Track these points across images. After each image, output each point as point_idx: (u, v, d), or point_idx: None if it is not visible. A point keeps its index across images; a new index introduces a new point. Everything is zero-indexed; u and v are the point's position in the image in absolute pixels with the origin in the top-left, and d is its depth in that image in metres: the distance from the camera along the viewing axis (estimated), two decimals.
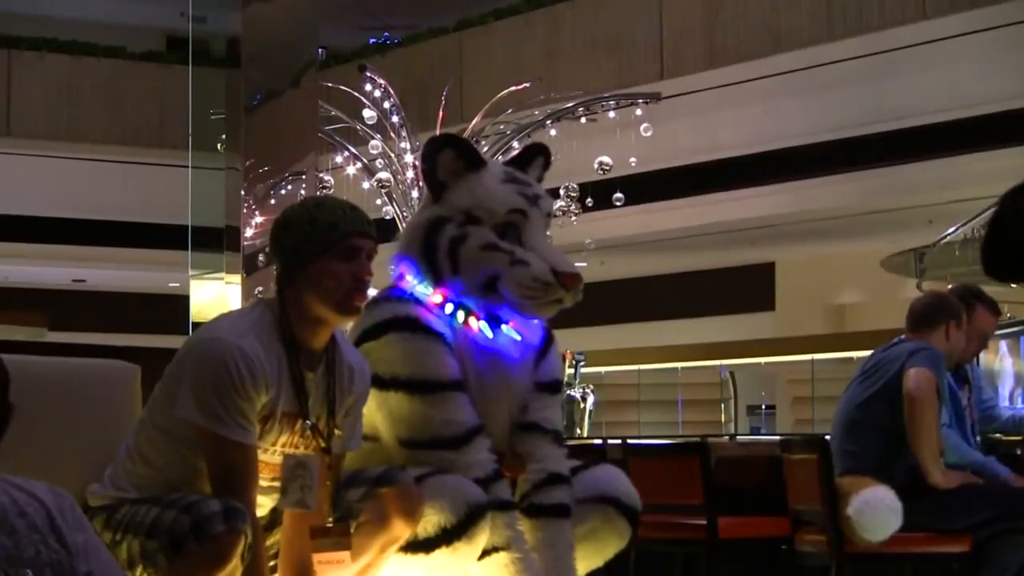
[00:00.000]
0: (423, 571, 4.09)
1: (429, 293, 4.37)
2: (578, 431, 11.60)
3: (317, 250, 3.86)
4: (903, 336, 6.46)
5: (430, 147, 4.47)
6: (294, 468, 3.85)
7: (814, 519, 6.29)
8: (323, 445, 3.91)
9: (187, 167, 8.55)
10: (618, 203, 11.98)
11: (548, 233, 4.54)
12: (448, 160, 4.42)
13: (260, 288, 7.65)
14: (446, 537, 4.05)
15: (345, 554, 3.89)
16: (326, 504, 3.92)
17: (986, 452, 6.93)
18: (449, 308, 4.36)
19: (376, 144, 11.85)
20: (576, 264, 4.39)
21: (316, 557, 3.88)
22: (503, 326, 4.39)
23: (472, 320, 4.37)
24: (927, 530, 6.06)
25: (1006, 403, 8.55)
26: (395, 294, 4.41)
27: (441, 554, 4.06)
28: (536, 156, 4.71)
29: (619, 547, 4.58)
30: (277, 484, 3.88)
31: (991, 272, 4.04)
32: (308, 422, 3.88)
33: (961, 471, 6.31)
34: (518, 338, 4.42)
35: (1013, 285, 9.21)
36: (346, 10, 17.68)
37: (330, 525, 3.92)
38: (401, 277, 4.44)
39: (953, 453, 6.37)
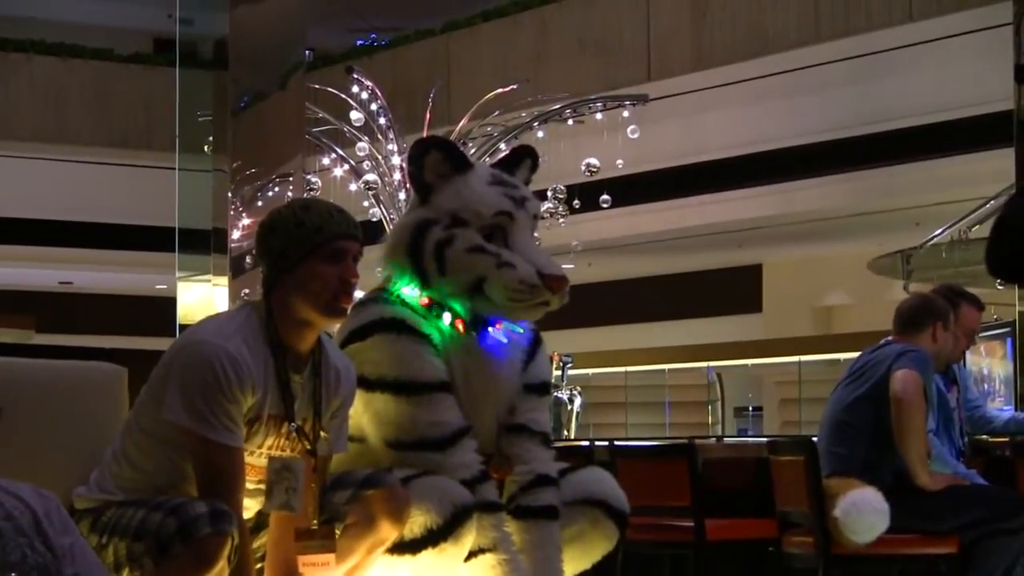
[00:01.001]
0: (410, 572, 4.08)
1: (416, 295, 4.37)
2: (565, 433, 11.61)
3: (303, 252, 3.85)
4: (890, 338, 6.46)
5: (416, 149, 4.47)
6: (279, 471, 3.85)
7: (801, 521, 6.29)
8: (309, 448, 3.91)
9: (174, 169, 8.54)
10: (605, 205, 11.98)
11: (536, 235, 4.53)
12: (434, 162, 4.42)
13: (247, 290, 7.65)
14: (432, 538, 4.05)
15: (330, 556, 3.89)
16: (311, 506, 3.92)
17: (974, 453, 6.94)
18: (436, 310, 4.36)
19: (363, 146, 11.84)
20: (563, 266, 4.38)
21: (301, 559, 3.88)
22: (490, 328, 4.39)
23: (459, 322, 4.37)
24: (914, 532, 6.07)
25: (994, 404, 8.56)
26: (382, 296, 4.41)
27: (427, 555, 4.05)
28: (524, 158, 4.70)
29: (606, 549, 4.58)
30: (263, 487, 3.88)
31: (996, 272, 4.05)
32: (293, 425, 3.89)
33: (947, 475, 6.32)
34: (505, 340, 4.42)
35: (1000, 287, 9.24)
36: (334, 12, 17.66)
37: (315, 527, 3.92)
38: (388, 279, 4.44)
39: (936, 463, 6.37)
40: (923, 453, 6.16)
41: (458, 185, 4.39)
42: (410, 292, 4.37)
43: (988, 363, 9.36)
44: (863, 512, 5.91)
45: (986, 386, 9.14)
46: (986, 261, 4.05)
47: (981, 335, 7.88)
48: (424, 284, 4.34)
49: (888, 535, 5.94)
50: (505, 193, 4.40)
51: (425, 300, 4.36)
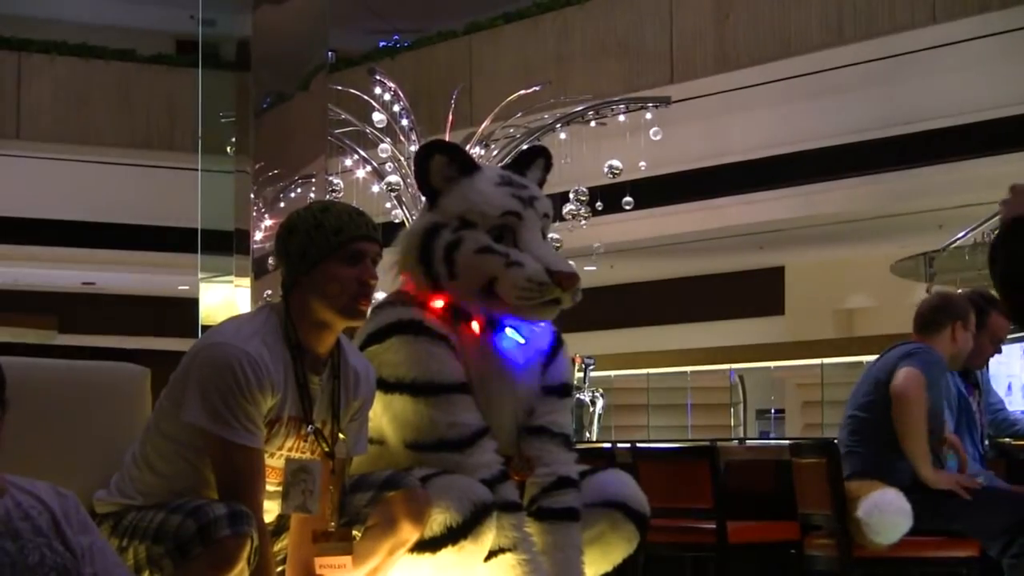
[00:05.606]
0: (430, 571, 4.08)
1: (431, 298, 4.37)
2: (587, 435, 11.59)
3: (322, 254, 3.86)
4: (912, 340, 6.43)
5: (421, 154, 4.48)
6: (296, 472, 3.85)
7: (823, 523, 6.28)
8: (327, 450, 3.91)
9: (196, 170, 8.53)
10: (627, 207, 11.95)
11: (556, 236, 4.53)
12: (440, 166, 4.43)
13: (269, 291, 7.64)
14: (452, 536, 4.05)
15: (347, 558, 3.89)
16: (328, 508, 3.92)
17: (996, 456, 6.91)
18: (451, 313, 4.36)
19: (385, 147, 11.82)
20: (586, 268, 4.38)
21: (318, 561, 3.88)
22: (507, 330, 4.39)
23: (474, 324, 4.36)
24: (937, 534, 6.05)
25: (1015, 408, 8.51)
26: (399, 299, 4.41)
27: (447, 553, 4.05)
28: (536, 158, 4.71)
29: (626, 552, 4.58)
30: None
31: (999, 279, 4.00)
32: (310, 427, 3.88)
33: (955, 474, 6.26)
34: (522, 341, 4.41)
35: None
36: (356, 13, 17.70)
37: (332, 529, 3.92)
38: (406, 282, 4.44)
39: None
40: (925, 449, 6.09)
41: (464, 187, 4.40)
42: (426, 295, 4.37)
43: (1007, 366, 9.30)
44: (885, 512, 5.89)
45: (1008, 385, 9.09)
46: (990, 265, 4.00)
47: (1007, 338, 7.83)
48: (436, 288, 4.34)
49: (910, 537, 5.92)
50: (512, 193, 4.40)
51: (440, 302, 4.36)
